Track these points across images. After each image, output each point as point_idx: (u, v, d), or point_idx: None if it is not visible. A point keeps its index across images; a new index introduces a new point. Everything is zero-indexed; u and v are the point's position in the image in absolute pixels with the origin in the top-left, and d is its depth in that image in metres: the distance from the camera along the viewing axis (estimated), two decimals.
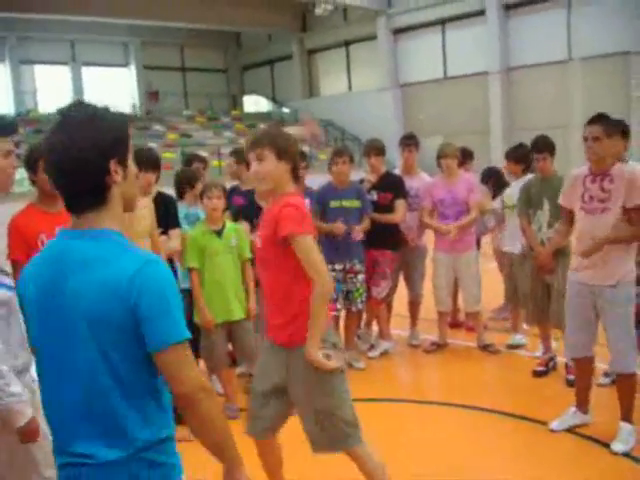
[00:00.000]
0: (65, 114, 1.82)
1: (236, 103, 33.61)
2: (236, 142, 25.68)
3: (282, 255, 3.20)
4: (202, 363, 5.59)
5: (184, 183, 5.59)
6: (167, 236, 4.85)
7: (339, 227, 5.90)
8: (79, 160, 1.76)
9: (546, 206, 5.45)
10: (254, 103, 33.64)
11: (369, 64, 27.99)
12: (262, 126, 28.99)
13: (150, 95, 30.57)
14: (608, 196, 4.25)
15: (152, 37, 29.92)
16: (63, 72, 28.90)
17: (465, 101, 24.18)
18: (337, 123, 27.52)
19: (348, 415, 3.36)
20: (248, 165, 3.40)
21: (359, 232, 5.99)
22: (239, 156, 6.03)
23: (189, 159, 6.30)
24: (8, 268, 2.67)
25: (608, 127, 4.23)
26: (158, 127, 27.05)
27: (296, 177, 3.36)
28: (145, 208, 4.51)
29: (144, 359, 1.79)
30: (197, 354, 5.44)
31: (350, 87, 29.66)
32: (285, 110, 31.12)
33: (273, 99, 32.70)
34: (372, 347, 6.71)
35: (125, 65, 30.77)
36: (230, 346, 5.33)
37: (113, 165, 1.80)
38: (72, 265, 1.79)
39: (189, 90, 32.19)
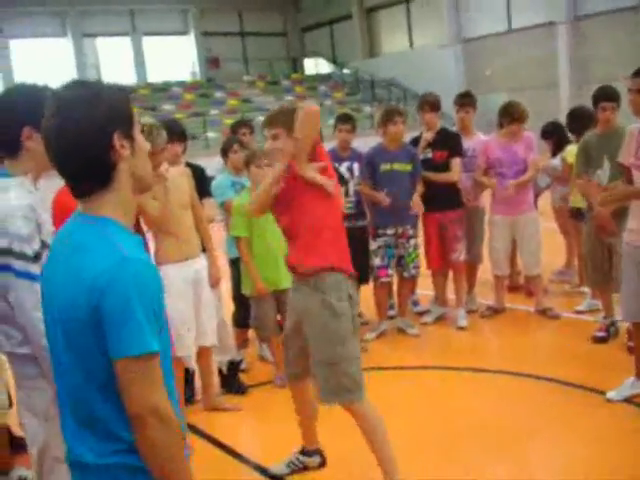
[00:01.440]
0: (58, 96, 1.71)
1: (296, 66, 33.36)
2: None
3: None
4: (252, 332, 5.61)
5: (222, 152, 5.51)
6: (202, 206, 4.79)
7: (384, 199, 5.74)
8: (78, 140, 1.65)
9: (606, 164, 5.15)
10: (314, 65, 33.33)
11: (430, 20, 27.29)
12: (322, 88, 28.85)
13: (210, 62, 30.62)
14: None
15: (210, 3, 29.89)
16: (124, 43, 29.19)
17: (531, 54, 23.31)
18: (399, 82, 27.00)
19: (352, 371, 3.40)
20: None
21: (419, 204, 5.81)
22: None
23: (234, 126, 6.19)
24: None
25: None
26: (219, 94, 27.12)
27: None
28: (181, 177, 4.45)
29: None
30: (244, 325, 5.45)
31: (411, 45, 29.04)
32: (346, 71, 30.73)
33: (333, 60, 32.30)
34: (428, 312, 6.58)
35: (184, 33, 30.84)
36: (279, 316, 5.29)
37: (117, 138, 1.68)
38: (65, 253, 1.71)
39: (249, 55, 32.08)
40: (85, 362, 1.66)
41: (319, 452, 3.92)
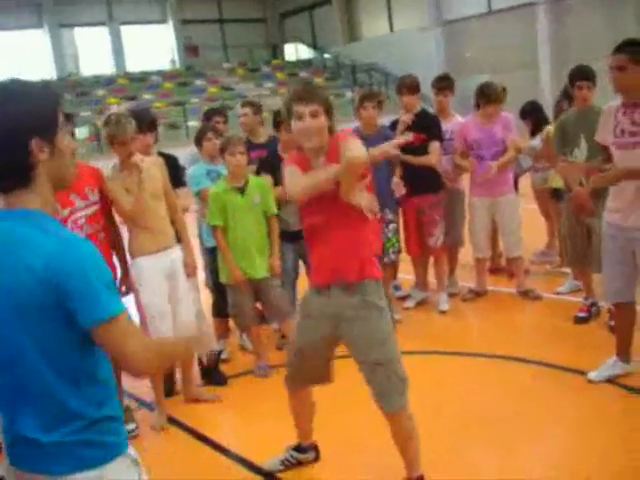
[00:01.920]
0: None
1: (276, 52, 33.18)
2: (277, 92, 25.44)
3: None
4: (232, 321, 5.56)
5: (196, 141, 5.44)
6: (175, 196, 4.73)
7: (399, 185, 5.70)
8: None
9: (583, 143, 5.12)
10: (295, 51, 33.15)
11: (410, 3, 27.18)
12: (303, 74, 28.69)
13: (189, 50, 30.38)
14: (639, 129, 3.93)
15: None
16: (102, 33, 28.89)
17: (511, 35, 23.28)
18: (380, 66, 26.90)
19: (402, 372, 3.29)
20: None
21: (400, 186, 5.75)
22: (256, 108, 5.82)
23: (208, 114, 6.10)
24: None
25: (635, 54, 3.88)
26: (199, 82, 26.94)
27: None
28: (154, 166, 4.38)
29: (75, 338, 1.76)
30: (224, 314, 5.40)
31: (392, 28, 28.92)
32: (327, 56, 30.58)
33: (314, 46, 32.13)
34: (409, 297, 6.55)
35: (163, 21, 30.56)
36: (259, 305, 5.25)
37: (35, 143, 1.74)
38: (4, 249, 1.76)
39: (229, 42, 31.83)
40: (43, 345, 1.74)
41: (314, 447, 3.83)
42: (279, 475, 3.76)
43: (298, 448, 3.80)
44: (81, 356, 1.79)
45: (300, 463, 3.79)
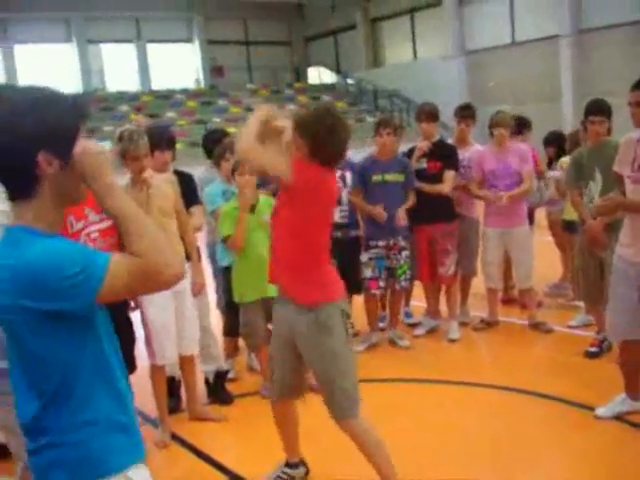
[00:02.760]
0: (6, 102, 1.75)
1: (300, 75, 33.39)
2: None
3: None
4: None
5: (214, 161, 5.46)
6: (189, 214, 4.75)
7: (381, 214, 5.70)
8: (4, 150, 1.70)
9: (598, 176, 5.11)
10: (318, 75, 33.36)
11: (434, 32, 27.28)
12: (325, 98, 28.84)
13: (214, 70, 30.67)
14: None
15: (215, 11, 29.88)
16: (129, 50, 29.26)
17: (534, 67, 23.30)
18: (402, 93, 26.96)
19: (347, 387, 3.39)
20: None
21: (403, 218, 5.76)
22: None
23: (211, 136, 6.09)
24: None
25: None
26: (222, 102, 27.15)
27: None
28: (166, 184, 4.40)
29: (44, 345, 1.72)
30: (234, 333, 5.40)
31: (415, 56, 29.04)
32: (349, 81, 30.74)
33: (337, 70, 32.32)
34: (420, 324, 6.53)
35: (189, 40, 30.88)
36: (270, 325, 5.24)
37: (42, 156, 1.69)
38: None
39: (253, 63, 32.11)
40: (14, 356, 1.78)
41: (303, 463, 3.89)
42: None
43: (288, 464, 3.85)
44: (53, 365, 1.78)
45: (293, 479, 3.83)
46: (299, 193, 3.29)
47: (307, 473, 3.89)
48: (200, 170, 5.91)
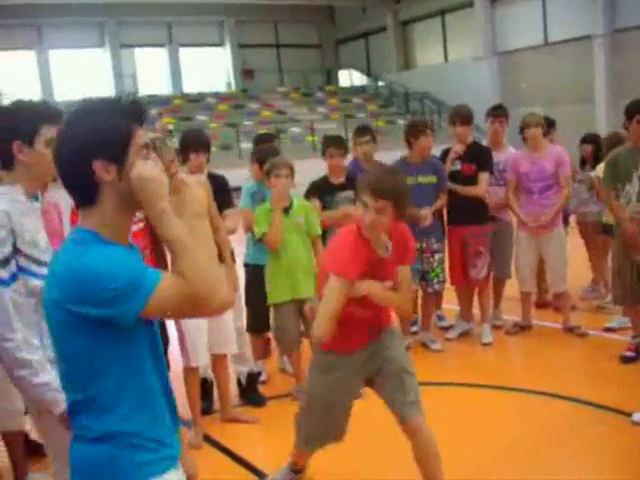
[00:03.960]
0: (70, 112, 1.82)
1: (330, 78, 33.45)
2: (329, 117, 25.63)
3: None
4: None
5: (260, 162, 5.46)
6: (223, 217, 4.77)
7: (426, 217, 5.67)
8: (63, 160, 1.78)
9: (635, 179, 5.04)
10: (349, 77, 33.39)
11: (465, 33, 27.17)
12: (356, 100, 28.82)
13: (245, 73, 30.85)
14: None
15: (246, 15, 30.10)
16: (161, 54, 29.57)
17: (567, 68, 23.08)
18: (433, 95, 26.90)
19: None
20: None
21: (428, 217, 5.71)
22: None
23: (259, 139, 6.14)
24: (48, 256, 2.63)
25: None
26: (253, 105, 27.29)
27: None
28: (198, 185, 4.41)
29: (87, 347, 1.76)
30: (258, 330, 5.42)
31: (446, 58, 28.94)
32: (380, 83, 30.72)
33: (368, 73, 32.34)
34: (451, 327, 6.49)
35: (220, 44, 31.13)
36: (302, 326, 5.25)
37: (98, 164, 1.73)
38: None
39: (284, 67, 32.26)
40: (63, 352, 1.84)
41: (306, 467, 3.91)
42: None
43: (294, 469, 3.85)
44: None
45: None
46: None
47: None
48: (234, 174, 5.94)
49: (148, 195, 1.74)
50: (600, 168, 6.34)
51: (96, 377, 1.77)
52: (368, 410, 3.54)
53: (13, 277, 2.54)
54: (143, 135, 1.81)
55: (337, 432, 3.58)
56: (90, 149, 1.72)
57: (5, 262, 2.51)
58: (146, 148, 1.84)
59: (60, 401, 2.50)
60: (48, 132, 2.64)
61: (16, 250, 2.54)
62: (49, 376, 2.54)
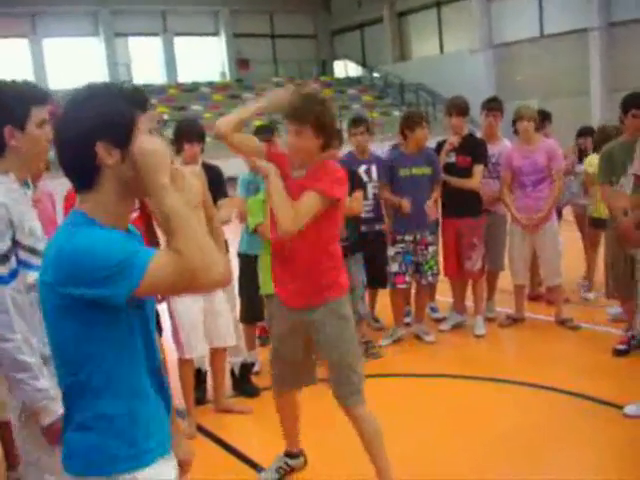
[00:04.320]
0: (70, 95, 1.79)
1: (326, 69, 33.35)
2: None
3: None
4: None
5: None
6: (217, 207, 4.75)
7: (406, 206, 5.66)
8: (65, 142, 1.76)
9: (630, 174, 5.03)
10: (344, 68, 33.29)
11: (461, 25, 27.14)
12: (351, 91, 28.78)
13: (240, 63, 30.73)
14: None
15: (241, 5, 29.99)
16: (155, 43, 29.42)
17: (563, 61, 23.07)
18: (428, 86, 26.88)
19: (360, 371, 3.47)
20: None
21: (433, 209, 5.73)
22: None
23: (258, 131, 6.09)
24: (43, 245, 2.56)
25: None
26: (248, 95, 27.18)
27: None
28: (192, 176, 4.39)
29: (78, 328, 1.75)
30: (251, 320, 5.43)
31: (442, 49, 28.90)
32: (375, 74, 30.66)
33: (363, 64, 32.26)
34: (444, 319, 6.49)
35: (215, 34, 31.00)
36: None
37: (101, 146, 1.71)
38: None
39: (279, 57, 32.14)
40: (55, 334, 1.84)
41: (302, 453, 3.97)
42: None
43: (289, 454, 3.93)
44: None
45: (293, 470, 3.91)
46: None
47: (305, 463, 3.97)
48: (226, 163, 5.92)
49: (149, 167, 1.71)
50: (588, 162, 6.38)
51: (87, 361, 1.77)
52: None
53: (13, 274, 2.43)
54: (145, 122, 1.80)
55: (298, 379, 3.68)
56: (94, 130, 1.71)
57: (5, 258, 2.40)
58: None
59: (52, 411, 2.41)
60: (39, 113, 2.53)
61: (15, 243, 2.44)
62: (48, 382, 2.42)
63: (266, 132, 6.07)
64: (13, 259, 2.42)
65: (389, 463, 3.43)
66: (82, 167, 1.75)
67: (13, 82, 2.62)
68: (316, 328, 3.46)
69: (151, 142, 1.75)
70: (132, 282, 1.66)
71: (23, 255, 2.46)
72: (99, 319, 1.73)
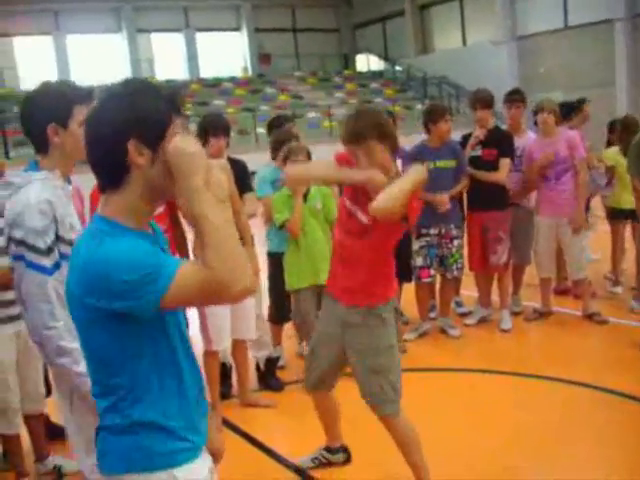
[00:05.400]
0: (104, 91, 1.76)
1: (348, 62, 33.26)
2: (347, 102, 25.50)
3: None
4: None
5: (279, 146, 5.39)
6: (242, 201, 4.75)
7: (443, 202, 5.63)
8: (96, 139, 1.72)
9: None
10: (366, 62, 33.19)
11: (484, 17, 26.89)
12: (374, 85, 28.67)
13: (262, 58, 30.75)
14: None
15: (263, 0, 29.97)
16: (177, 39, 29.53)
17: (587, 52, 22.79)
18: (451, 79, 26.70)
19: (397, 380, 3.39)
20: None
21: (446, 202, 5.67)
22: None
23: (277, 121, 6.06)
24: None
25: None
26: (270, 89, 27.22)
27: None
28: (219, 170, 4.40)
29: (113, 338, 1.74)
30: (280, 321, 5.42)
31: (464, 42, 28.66)
32: (398, 68, 30.52)
33: (385, 57, 32.12)
34: (470, 313, 6.46)
35: (237, 29, 31.04)
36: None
37: (133, 145, 1.68)
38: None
39: (301, 51, 32.09)
40: (89, 341, 1.82)
41: (343, 449, 3.93)
42: (309, 472, 3.87)
43: (328, 449, 3.91)
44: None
45: (331, 464, 3.89)
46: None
47: (348, 460, 3.93)
48: (248, 157, 5.90)
49: (183, 168, 1.66)
50: (608, 153, 6.31)
51: (123, 369, 1.76)
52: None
53: (56, 266, 2.54)
54: (179, 126, 1.75)
55: (324, 382, 3.63)
56: (128, 127, 1.67)
57: (49, 251, 2.53)
58: None
59: None
60: (81, 113, 2.60)
61: (58, 237, 2.56)
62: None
63: (282, 122, 6.02)
64: (56, 252, 2.55)
65: (426, 469, 3.39)
66: (111, 164, 1.71)
67: (57, 82, 2.77)
68: (355, 331, 3.41)
69: (187, 142, 1.70)
70: (157, 294, 1.63)
71: (64, 248, 2.56)
72: (128, 329, 1.72)
